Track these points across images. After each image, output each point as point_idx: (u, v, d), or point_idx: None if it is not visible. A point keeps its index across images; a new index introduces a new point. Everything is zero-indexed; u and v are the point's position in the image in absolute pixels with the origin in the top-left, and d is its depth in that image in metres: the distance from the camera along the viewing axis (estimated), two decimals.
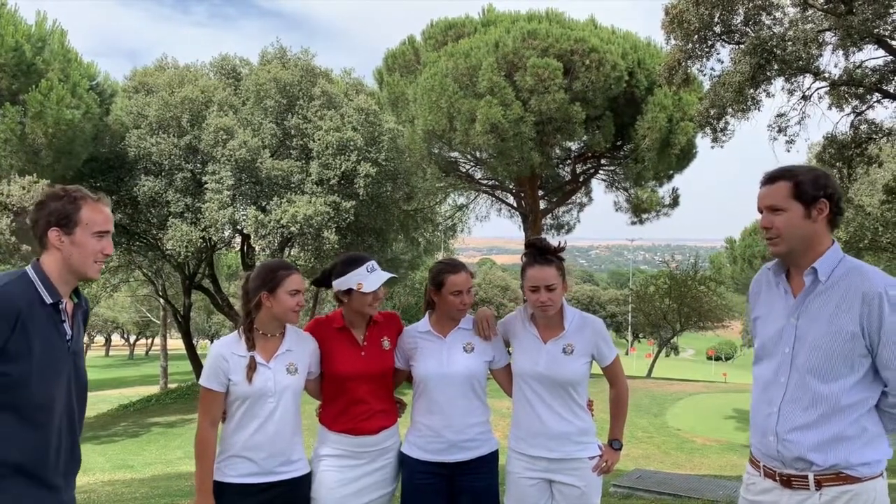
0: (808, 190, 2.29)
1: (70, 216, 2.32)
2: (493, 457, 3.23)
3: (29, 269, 2.31)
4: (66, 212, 2.32)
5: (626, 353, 57.74)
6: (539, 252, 3.06)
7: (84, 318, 2.50)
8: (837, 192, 2.33)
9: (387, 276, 3.10)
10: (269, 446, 2.92)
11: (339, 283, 3.10)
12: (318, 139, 19.77)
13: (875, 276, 2.26)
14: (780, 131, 12.68)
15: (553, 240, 3.07)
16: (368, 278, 3.05)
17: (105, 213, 2.40)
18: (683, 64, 12.40)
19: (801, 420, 2.30)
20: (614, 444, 3.18)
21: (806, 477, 2.28)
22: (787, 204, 2.31)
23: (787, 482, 2.32)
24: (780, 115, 12.63)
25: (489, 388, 3.28)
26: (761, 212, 2.39)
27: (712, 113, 12.33)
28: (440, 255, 31.88)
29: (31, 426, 2.23)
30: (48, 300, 2.28)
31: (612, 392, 3.24)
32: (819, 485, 2.26)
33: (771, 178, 2.36)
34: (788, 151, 12.72)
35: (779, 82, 11.97)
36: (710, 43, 12.09)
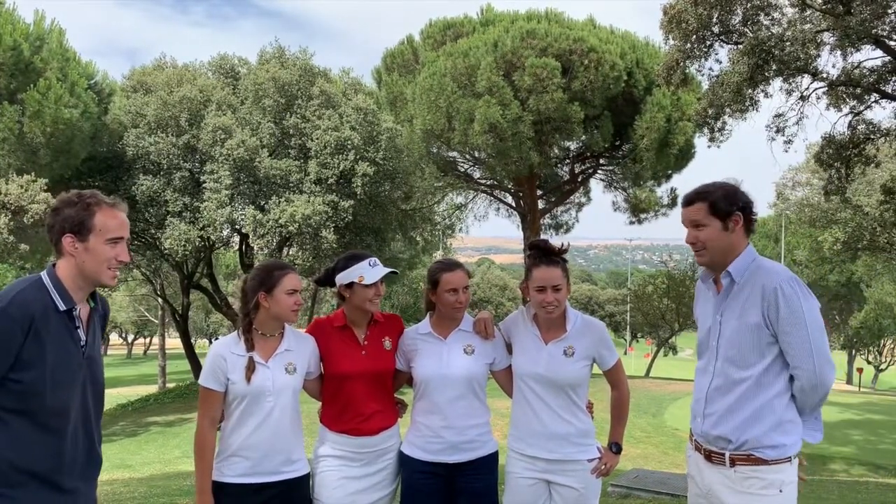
0: (722, 207, 2.64)
1: (84, 222, 2.29)
2: (493, 458, 3.23)
3: (44, 274, 2.30)
4: (80, 218, 2.29)
5: (625, 353, 57.69)
6: (544, 253, 3.08)
7: (102, 322, 2.49)
8: (749, 204, 2.69)
9: (387, 270, 3.15)
10: (267, 446, 2.93)
11: (342, 278, 3.13)
12: (317, 138, 19.76)
13: (773, 272, 2.59)
14: (778, 131, 12.70)
15: (555, 241, 3.09)
16: (370, 271, 3.09)
17: (119, 219, 2.36)
18: (682, 64, 12.42)
19: (723, 404, 2.64)
20: (614, 447, 3.18)
21: (723, 454, 2.62)
22: (707, 220, 2.66)
23: (708, 457, 2.68)
24: (778, 116, 12.66)
25: (488, 387, 3.28)
26: (687, 228, 2.74)
27: (710, 113, 12.35)
28: (438, 255, 31.89)
29: (47, 432, 2.23)
30: (61, 307, 2.26)
31: (613, 395, 3.25)
32: (733, 462, 2.59)
33: (689, 201, 2.71)
34: (786, 152, 12.77)
35: (777, 82, 11.99)
36: (708, 43, 12.10)
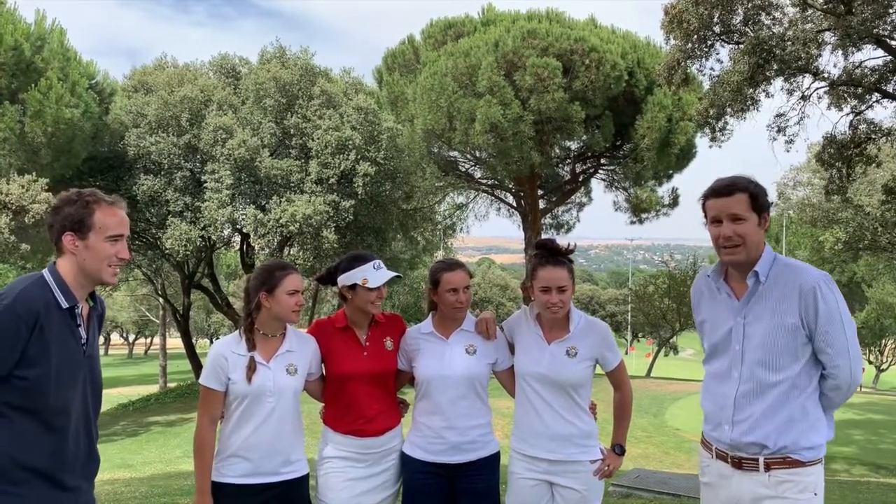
0: (762, 202, 2.51)
1: (83, 220, 2.31)
2: (495, 458, 3.22)
3: (46, 272, 2.31)
4: (79, 216, 2.31)
5: (626, 353, 57.62)
6: (550, 253, 3.07)
7: (99, 321, 2.50)
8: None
9: (392, 274, 3.13)
10: (267, 446, 2.92)
11: (345, 279, 3.12)
12: (318, 138, 19.76)
13: (806, 271, 2.49)
14: (779, 131, 12.69)
15: (562, 241, 3.08)
16: (374, 275, 3.08)
17: (119, 217, 2.38)
18: (683, 64, 12.40)
19: (756, 408, 2.50)
20: (617, 448, 3.17)
21: (756, 460, 2.49)
22: (747, 214, 2.48)
23: (738, 464, 2.53)
24: (779, 115, 12.64)
25: (489, 387, 3.27)
26: (717, 222, 2.52)
27: (711, 113, 12.33)
28: (439, 255, 31.87)
29: (50, 430, 2.24)
30: (64, 304, 2.28)
31: (616, 396, 3.23)
32: (768, 467, 2.47)
33: (728, 190, 2.50)
34: (788, 151, 12.75)
35: (778, 82, 11.98)
36: (709, 43, 12.09)
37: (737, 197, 2.48)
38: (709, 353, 2.71)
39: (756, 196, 2.48)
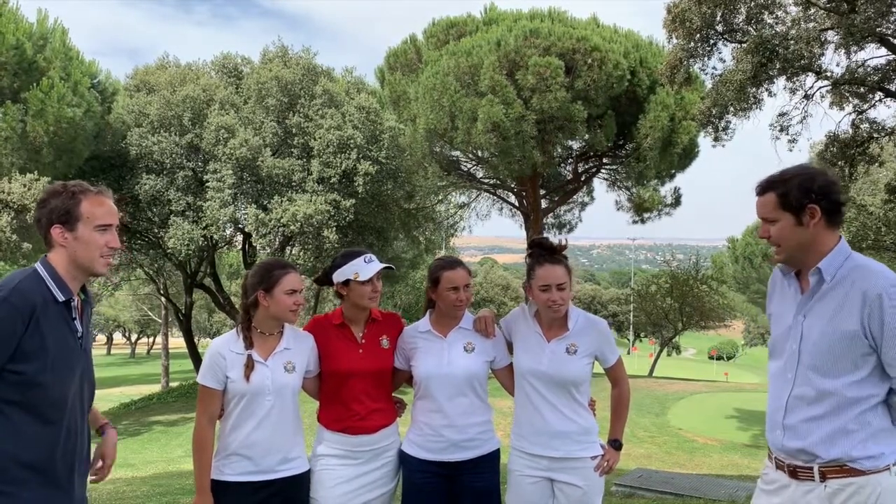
0: (792, 200, 2.31)
1: (70, 212, 2.29)
2: (495, 456, 3.21)
3: (39, 266, 2.29)
4: (66, 208, 2.29)
5: (628, 353, 57.61)
6: (547, 251, 3.07)
7: (89, 315, 2.49)
8: (830, 191, 2.31)
9: (381, 265, 3.11)
10: (266, 444, 2.92)
11: (338, 275, 3.12)
12: (319, 137, 19.77)
13: (878, 275, 2.25)
14: (782, 130, 12.67)
15: (554, 239, 3.08)
16: (365, 268, 3.07)
17: (106, 206, 2.36)
18: (685, 63, 12.39)
19: (806, 414, 2.33)
20: (614, 443, 3.17)
21: (811, 468, 2.32)
22: (776, 215, 2.35)
23: (793, 473, 2.37)
24: (781, 115, 12.62)
25: (491, 386, 3.26)
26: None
27: (714, 112, 12.32)
28: (441, 254, 31.87)
29: (46, 425, 2.21)
30: (60, 298, 2.26)
31: (613, 392, 3.24)
32: (824, 476, 2.30)
33: (760, 190, 2.40)
34: (791, 150, 12.71)
35: (781, 81, 11.96)
36: (711, 42, 12.08)
37: (765, 198, 2.37)
38: (770, 350, 2.56)
39: (784, 195, 2.31)
